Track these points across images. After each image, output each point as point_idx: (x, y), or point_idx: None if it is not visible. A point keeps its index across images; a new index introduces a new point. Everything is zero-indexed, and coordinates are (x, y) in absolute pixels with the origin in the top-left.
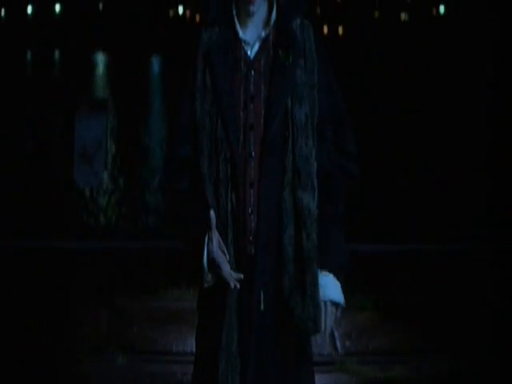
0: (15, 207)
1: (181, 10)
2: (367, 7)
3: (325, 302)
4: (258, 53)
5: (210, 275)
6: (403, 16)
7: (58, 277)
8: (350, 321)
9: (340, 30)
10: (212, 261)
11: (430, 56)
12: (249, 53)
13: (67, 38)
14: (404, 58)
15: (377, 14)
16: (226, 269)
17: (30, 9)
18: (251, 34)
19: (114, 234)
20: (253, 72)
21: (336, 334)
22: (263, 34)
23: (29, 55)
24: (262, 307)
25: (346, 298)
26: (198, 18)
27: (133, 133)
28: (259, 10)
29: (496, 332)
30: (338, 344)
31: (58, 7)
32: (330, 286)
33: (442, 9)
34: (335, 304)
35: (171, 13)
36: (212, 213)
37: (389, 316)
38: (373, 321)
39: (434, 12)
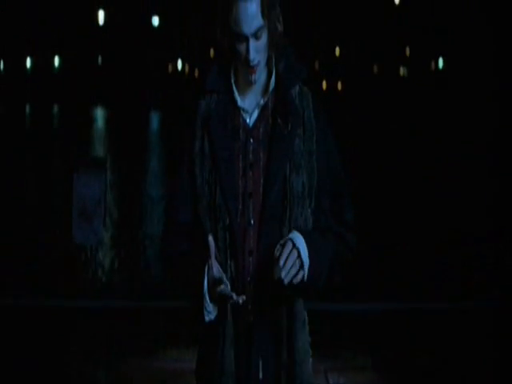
0: (13, 264)
1: (180, 64)
2: (366, 62)
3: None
4: (256, 120)
5: (211, 304)
6: (402, 71)
7: (56, 336)
8: (351, 381)
9: (339, 85)
10: (213, 284)
11: (430, 111)
12: (248, 120)
13: (66, 92)
14: (404, 113)
15: (376, 68)
16: (227, 289)
17: (28, 62)
18: (250, 102)
19: (112, 292)
20: (252, 140)
21: None
22: (262, 102)
23: (28, 109)
24: (261, 376)
25: (346, 359)
26: (196, 73)
27: (132, 190)
28: (259, 78)
29: None
30: None
31: (56, 61)
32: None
33: (441, 62)
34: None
35: (170, 68)
36: (210, 238)
37: (389, 376)
38: (373, 381)
39: (433, 66)
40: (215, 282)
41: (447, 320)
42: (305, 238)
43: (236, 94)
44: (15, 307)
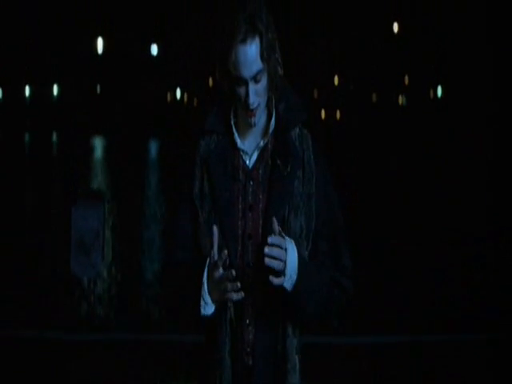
0: (12, 296)
1: (178, 93)
2: (365, 91)
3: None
4: (256, 162)
5: (209, 297)
6: (401, 99)
7: (54, 369)
8: None
9: (338, 113)
10: (213, 267)
11: (429, 139)
12: (247, 162)
13: (65, 121)
14: (403, 141)
15: (374, 97)
16: (228, 273)
17: (27, 91)
18: (250, 144)
19: (111, 325)
20: (251, 182)
21: None
22: (262, 143)
23: (26, 137)
24: None
25: None
26: (195, 102)
27: (130, 222)
28: (259, 120)
29: None
30: None
31: (55, 89)
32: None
33: (439, 90)
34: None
35: (169, 97)
36: (215, 228)
37: None
38: None
39: (432, 94)
40: (216, 265)
41: (447, 352)
42: (299, 253)
43: (236, 135)
44: (14, 339)
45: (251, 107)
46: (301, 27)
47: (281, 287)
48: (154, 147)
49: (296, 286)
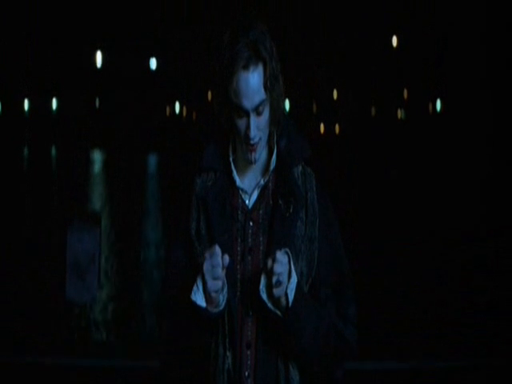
0: (6, 321)
1: (177, 107)
2: (364, 105)
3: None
4: (256, 202)
5: (201, 286)
6: (400, 113)
7: None
8: None
9: (336, 128)
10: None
11: (427, 153)
12: (247, 202)
13: (64, 135)
14: (402, 155)
15: (373, 111)
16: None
17: (26, 104)
18: (249, 182)
19: (108, 351)
20: (251, 223)
21: None
22: (262, 182)
23: (25, 151)
24: None
25: None
26: (194, 115)
27: (128, 244)
28: (259, 157)
29: None
30: None
31: (54, 103)
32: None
33: (438, 104)
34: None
35: (168, 110)
36: (217, 248)
37: None
38: None
39: (431, 108)
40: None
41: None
42: (298, 282)
43: (234, 173)
44: (9, 364)
45: (252, 142)
46: (300, 41)
47: (274, 315)
48: (153, 161)
49: (289, 312)
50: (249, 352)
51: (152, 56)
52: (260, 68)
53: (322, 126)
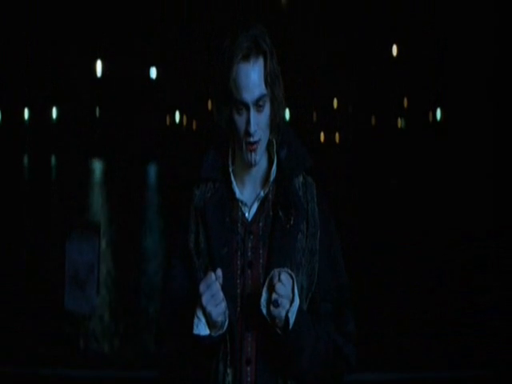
0: (2, 331)
1: (177, 117)
2: (364, 113)
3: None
4: (256, 214)
5: (203, 317)
6: (400, 122)
7: None
8: None
9: (337, 136)
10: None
11: (428, 162)
12: (246, 214)
13: (64, 144)
14: (402, 164)
15: (373, 120)
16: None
17: (26, 113)
18: (249, 194)
19: (108, 362)
20: (251, 235)
21: None
22: (262, 193)
23: (25, 160)
24: None
25: None
26: (194, 125)
27: (127, 254)
28: (258, 165)
29: None
30: None
31: (54, 112)
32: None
33: (439, 113)
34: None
35: (168, 120)
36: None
37: None
38: None
39: (431, 117)
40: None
41: None
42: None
43: (234, 184)
44: (8, 374)
45: (252, 139)
46: (300, 50)
47: (274, 331)
48: (153, 170)
49: (289, 333)
50: (249, 368)
51: (152, 65)
52: (260, 61)
53: (322, 134)
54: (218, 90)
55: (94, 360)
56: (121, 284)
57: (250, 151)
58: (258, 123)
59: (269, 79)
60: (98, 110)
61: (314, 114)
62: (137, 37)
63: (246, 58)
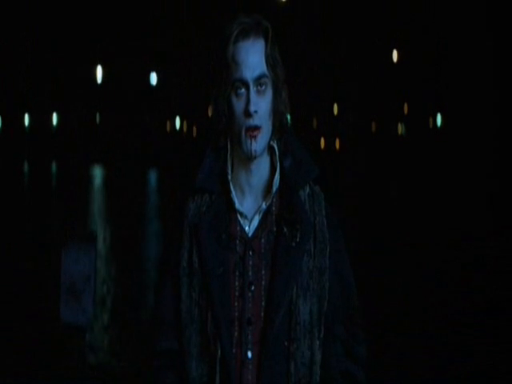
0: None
1: (178, 123)
2: (364, 119)
3: None
4: (257, 229)
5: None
6: (400, 128)
7: None
8: None
9: (337, 143)
10: None
11: (428, 168)
12: (246, 229)
13: (64, 150)
14: (402, 171)
15: (374, 126)
16: None
17: (26, 119)
18: (250, 206)
19: (103, 373)
20: (251, 253)
21: None
22: (264, 206)
23: (26, 166)
24: None
25: None
26: (195, 131)
27: (127, 261)
28: (260, 174)
29: None
30: None
31: (54, 118)
32: None
33: (439, 119)
34: None
35: (168, 126)
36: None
37: None
38: None
39: (431, 123)
40: None
41: None
42: None
43: (233, 193)
44: None
45: (252, 122)
46: (300, 55)
47: None
48: (153, 176)
49: None
50: None
51: (152, 71)
52: (261, 42)
53: (322, 140)
54: (218, 70)
55: (90, 372)
56: (119, 294)
57: (250, 138)
58: (259, 107)
59: (270, 60)
60: (98, 116)
61: (314, 120)
62: (137, 43)
63: (247, 35)
